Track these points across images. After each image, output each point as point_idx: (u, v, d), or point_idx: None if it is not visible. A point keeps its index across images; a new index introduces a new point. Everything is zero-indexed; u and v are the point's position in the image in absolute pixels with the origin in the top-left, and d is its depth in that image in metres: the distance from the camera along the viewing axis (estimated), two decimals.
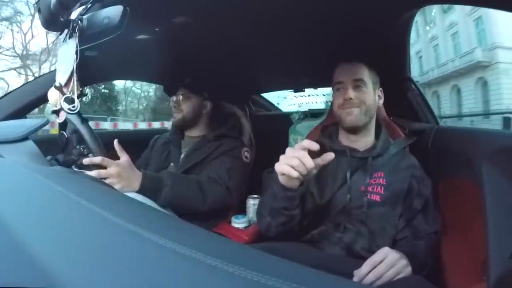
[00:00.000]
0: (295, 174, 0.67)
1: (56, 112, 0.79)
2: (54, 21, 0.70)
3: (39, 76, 1.32)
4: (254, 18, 0.87)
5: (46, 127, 0.85)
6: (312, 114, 1.51)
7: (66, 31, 0.74)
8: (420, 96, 1.21)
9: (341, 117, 0.87)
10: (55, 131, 0.89)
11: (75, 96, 0.72)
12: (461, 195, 0.82)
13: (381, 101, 0.92)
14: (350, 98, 0.84)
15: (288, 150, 0.69)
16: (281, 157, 0.69)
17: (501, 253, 0.58)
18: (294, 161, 0.66)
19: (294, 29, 0.93)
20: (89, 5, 0.72)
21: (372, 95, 0.87)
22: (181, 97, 1.15)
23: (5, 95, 1.24)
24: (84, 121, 0.77)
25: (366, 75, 0.87)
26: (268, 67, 1.35)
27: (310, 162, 0.66)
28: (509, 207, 0.62)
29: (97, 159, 0.74)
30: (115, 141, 0.83)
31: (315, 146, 0.67)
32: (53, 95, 0.77)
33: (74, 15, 0.73)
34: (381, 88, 0.92)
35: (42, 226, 0.29)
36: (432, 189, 0.86)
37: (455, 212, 0.84)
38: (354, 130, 0.87)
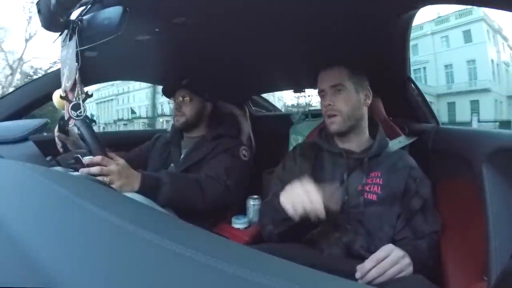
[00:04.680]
0: (298, 212, 0.67)
1: (66, 123, 0.81)
2: (54, 21, 0.71)
3: (39, 77, 1.32)
4: (254, 18, 0.87)
5: None
6: (312, 114, 1.51)
7: (66, 32, 0.74)
8: (420, 96, 1.21)
9: (327, 124, 0.91)
10: None
11: (80, 101, 0.73)
12: (461, 195, 0.82)
13: (369, 101, 0.92)
14: (329, 104, 0.88)
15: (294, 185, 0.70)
16: (288, 189, 0.71)
17: (501, 253, 0.58)
18: (301, 197, 0.67)
19: (294, 29, 0.93)
20: (89, 6, 0.72)
21: (353, 98, 0.88)
22: (182, 99, 1.15)
23: (5, 95, 1.24)
24: (88, 123, 0.78)
25: (345, 78, 0.88)
26: (268, 67, 1.35)
27: (317, 199, 0.66)
28: (509, 207, 0.62)
29: (97, 158, 0.75)
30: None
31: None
32: (58, 99, 0.78)
33: (74, 16, 0.73)
34: (369, 88, 0.93)
35: (42, 227, 0.29)
36: (432, 189, 0.86)
37: (455, 212, 0.84)
38: (340, 134, 0.90)
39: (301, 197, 0.67)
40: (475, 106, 12.02)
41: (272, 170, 1.31)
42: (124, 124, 15.75)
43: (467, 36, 12.55)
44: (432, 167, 0.98)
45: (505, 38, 12.69)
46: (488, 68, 12.23)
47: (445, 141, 0.99)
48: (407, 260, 0.69)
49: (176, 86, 1.17)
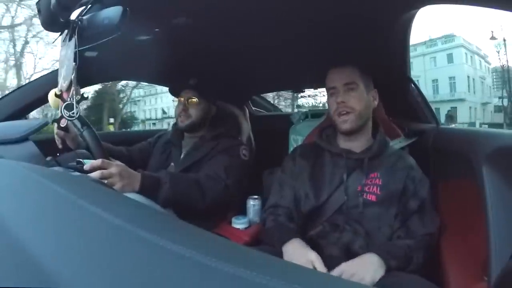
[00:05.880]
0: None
1: (58, 121, 0.81)
2: (54, 21, 0.70)
3: (39, 77, 1.32)
4: (254, 19, 0.87)
5: None
6: (312, 114, 1.51)
7: (66, 31, 0.74)
8: (420, 96, 1.21)
9: (337, 123, 0.89)
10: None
11: (74, 102, 0.73)
12: (461, 195, 0.82)
13: (376, 102, 0.93)
14: (342, 102, 0.86)
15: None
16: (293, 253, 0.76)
17: (501, 253, 0.58)
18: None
19: (294, 30, 0.93)
20: (89, 6, 0.72)
21: (364, 98, 0.88)
22: (188, 100, 1.14)
23: (6, 95, 1.24)
24: (86, 124, 0.77)
25: (358, 77, 0.88)
26: (268, 68, 1.35)
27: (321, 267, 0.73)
28: (509, 207, 0.62)
29: (97, 162, 0.74)
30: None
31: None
32: (53, 99, 0.78)
33: (74, 15, 0.73)
34: (375, 89, 0.93)
35: (41, 227, 0.29)
36: (432, 189, 0.86)
37: (455, 212, 0.84)
38: (349, 134, 0.89)
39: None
40: (454, 112, 15.84)
41: (272, 170, 1.31)
42: (153, 123, 16.69)
43: (450, 58, 16.93)
44: (432, 167, 0.98)
45: (483, 57, 17.05)
46: (464, 83, 16.44)
47: (445, 141, 0.99)
48: (359, 276, 0.70)
49: (183, 86, 1.15)
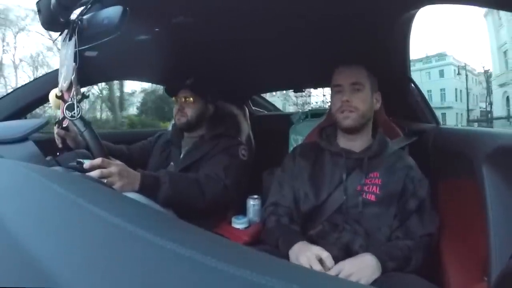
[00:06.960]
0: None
1: (60, 122, 0.81)
2: (53, 21, 0.71)
3: (39, 77, 1.32)
4: (254, 18, 0.87)
5: None
6: (312, 114, 1.51)
7: (66, 31, 0.75)
8: (420, 96, 1.21)
9: (339, 120, 0.89)
10: None
11: (75, 102, 0.73)
12: (462, 195, 0.82)
13: (378, 105, 0.93)
14: (347, 100, 0.86)
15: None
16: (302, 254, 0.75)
17: (502, 253, 0.58)
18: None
19: (294, 29, 0.93)
20: (89, 6, 0.72)
21: (369, 98, 0.88)
22: (184, 99, 1.15)
23: (6, 95, 1.24)
24: (87, 124, 0.78)
25: (364, 78, 0.88)
26: (268, 67, 1.35)
27: (330, 262, 0.73)
28: (509, 207, 0.62)
29: (97, 161, 0.74)
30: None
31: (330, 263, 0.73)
32: (54, 99, 0.78)
33: (74, 15, 0.73)
34: (379, 92, 0.93)
35: (41, 227, 0.29)
36: (433, 189, 0.86)
37: (455, 212, 0.84)
38: (351, 131, 0.89)
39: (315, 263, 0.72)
40: (443, 117, 20.44)
41: (272, 170, 1.31)
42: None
43: (441, 73, 22.06)
44: (432, 167, 0.98)
45: (471, 71, 21.85)
46: (452, 94, 21.56)
47: (445, 141, 0.99)
48: (356, 277, 0.70)
49: (179, 86, 1.17)
